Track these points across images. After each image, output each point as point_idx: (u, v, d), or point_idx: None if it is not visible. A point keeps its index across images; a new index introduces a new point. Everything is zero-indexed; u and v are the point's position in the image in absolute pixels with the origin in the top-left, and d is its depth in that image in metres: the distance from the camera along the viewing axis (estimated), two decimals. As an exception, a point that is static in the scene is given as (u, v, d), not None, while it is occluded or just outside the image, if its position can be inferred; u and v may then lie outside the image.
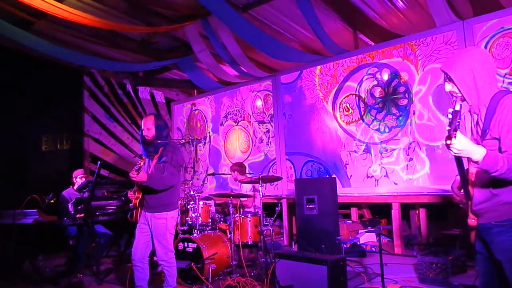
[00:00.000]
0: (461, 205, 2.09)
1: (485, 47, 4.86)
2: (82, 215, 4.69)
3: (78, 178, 5.69)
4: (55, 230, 5.10)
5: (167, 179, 3.37)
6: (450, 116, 1.65)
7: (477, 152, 1.72)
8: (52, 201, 5.14)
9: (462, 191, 2.07)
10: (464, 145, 1.70)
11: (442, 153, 5.13)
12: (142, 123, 3.51)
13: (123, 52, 7.35)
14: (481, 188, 1.90)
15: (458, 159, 1.87)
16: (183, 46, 7.02)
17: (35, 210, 4.70)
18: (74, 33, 6.47)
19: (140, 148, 3.61)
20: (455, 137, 1.67)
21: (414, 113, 5.41)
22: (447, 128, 1.67)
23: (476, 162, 1.75)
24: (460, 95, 1.95)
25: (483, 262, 2.02)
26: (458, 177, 2.12)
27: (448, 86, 2.02)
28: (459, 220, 6.41)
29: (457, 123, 1.66)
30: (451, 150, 1.72)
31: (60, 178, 6.65)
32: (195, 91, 8.90)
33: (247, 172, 6.40)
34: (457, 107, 1.65)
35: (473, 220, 1.95)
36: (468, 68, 1.91)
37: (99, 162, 4.74)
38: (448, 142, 1.69)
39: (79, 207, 4.79)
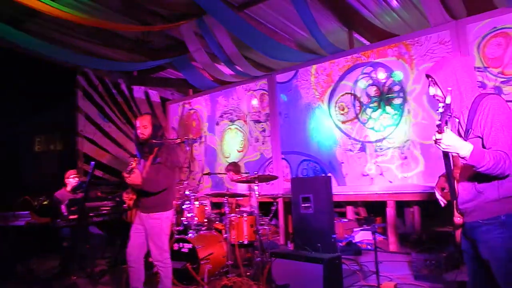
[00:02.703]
0: (442, 204, 2.16)
1: (478, 46, 4.89)
2: (76, 216, 4.65)
3: (71, 178, 5.63)
4: (48, 231, 5.04)
5: (161, 182, 3.31)
6: (441, 110, 1.70)
7: (465, 148, 1.76)
8: (44, 202, 5.09)
9: (445, 190, 2.11)
10: (452, 140, 1.74)
11: (436, 151, 5.15)
12: (138, 122, 3.43)
13: (117, 51, 7.31)
14: (467, 186, 1.94)
15: (446, 157, 1.93)
16: (178, 45, 6.99)
17: (28, 212, 4.64)
18: (67, 31, 6.42)
19: (135, 149, 3.57)
20: (444, 132, 1.72)
21: (408, 112, 5.43)
22: (437, 122, 1.72)
23: (463, 158, 1.78)
24: (443, 98, 1.97)
25: (470, 261, 2.03)
26: (442, 177, 2.19)
27: (432, 90, 2.06)
28: (451, 217, 6.45)
29: (448, 118, 1.74)
30: (440, 146, 1.76)
31: (53, 179, 6.60)
32: (191, 90, 8.87)
33: (242, 171, 6.39)
34: (448, 100, 1.71)
35: (459, 218, 1.98)
36: (452, 72, 1.98)
37: (93, 163, 4.69)
38: (438, 137, 1.74)
39: (73, 208, 4.74)
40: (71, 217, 4.70)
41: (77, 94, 7.87)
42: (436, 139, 1.75)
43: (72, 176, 5.66)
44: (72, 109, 7.86)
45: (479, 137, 1.89)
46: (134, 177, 3.18)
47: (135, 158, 3.30)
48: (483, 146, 1.86)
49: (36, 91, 6.98)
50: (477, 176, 1.84)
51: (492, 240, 1.84)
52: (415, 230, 6.02)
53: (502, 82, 4.72)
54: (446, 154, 1.89)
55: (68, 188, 5.59)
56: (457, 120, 2.03)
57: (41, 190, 5.23)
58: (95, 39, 6.79)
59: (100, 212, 5.03)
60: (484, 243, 1.88)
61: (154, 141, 3.39)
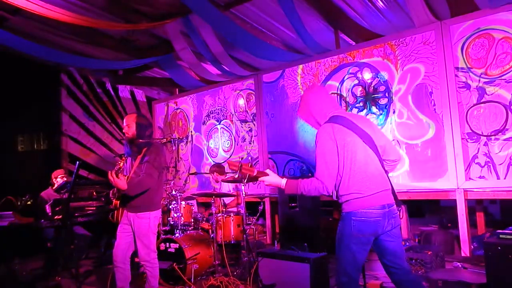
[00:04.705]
0: None
1: (462, 47, 4.97)
2: (60, 216, 4.58)
3: (59, 178, 5.55)
4: (31, 232, 4.96)
5: (144, 182, 3.27)
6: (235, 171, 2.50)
7: (281, 183, 2.43)
8: (28, 202, 5.00)
9: None
10: (271, 180, 2.46)
11: (421, 151, 5.23)
12: (124, 121, 3.46)
13: (102, 50, 7.20)
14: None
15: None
16: (164, 44, 6.94)
17: (10, 212, 4.56)
18: (50, 29, 6.30)
19: (124, 148, 3.54)
20: (267, 175, 2.46)
21: (394, 112, 5.50)
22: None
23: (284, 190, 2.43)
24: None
25: None
26: None
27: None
28: (436, 216, 6.56)
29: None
30: (265, 183, 2.49)
31: (37, 179, 6.49)
32: (177, 89, 8.81)
33: (226, 171, 6.38)
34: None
35: None
36: (305, 107, 2.57)
37: (77, 162, 4.62)
38: (262, 179, 2.46)
39: (57, 209, 4.67)
40: (56, 217, 4.63)
41: (61, 93, 7.76)
42: (261, 181, 2.46)
43: (60, 176, 5.57)
44: (56, 108, 7.74)
45: None
46: (120, 182, 3.14)
47: (123, 158, 3.28)
48: None
49: (18, 90, 6.84)
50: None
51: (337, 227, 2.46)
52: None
53: (485, 82, 4.81)
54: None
55: (55, 187, 5.50)
56: None
57: (24, 190, 5.13)
58: (79, 37, 6.69)
59: (85, 212, 4.97)
60: None
61: (141, 140, 3.38)
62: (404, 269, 2.41)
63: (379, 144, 2.48)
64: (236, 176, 2.41)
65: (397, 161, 2.61)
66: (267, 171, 2.47)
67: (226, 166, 6.99)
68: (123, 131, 3.44)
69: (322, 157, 2.34)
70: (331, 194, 2.37)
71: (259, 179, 2.48)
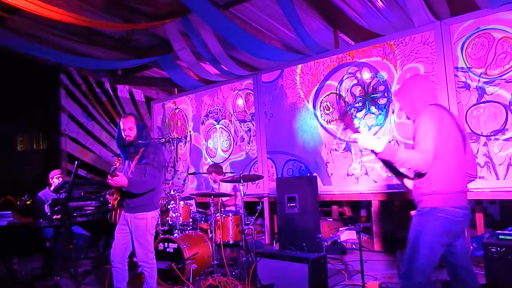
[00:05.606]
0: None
1: (462, 47, 4.96)
2: (59, 216, 4.57)
3: (55, 179, 5.53)
4: (30, 232, 4.95)
5: (148, 182, 3.28)
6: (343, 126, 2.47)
7: (379, 145, 2.18)
8: (27, 202, 5.00)
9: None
10: (366, 139, 2.23)
11: (420, 151, 5.21)
12: (122, 124, 3.37)
13: (101, 50, 7.20)
14: (413, 183, 2.40)
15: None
16: (163, 44, 6.93)
17: (10, 212, 4.55)
18: (50, 29, 6.30)
19: (120, 150, 3.50)
20: (359, 132, 2.28)
21: (393, 112, 5.49)
22: (356, 126, 2.40)
23: (377, 154, 2.21)
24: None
25: None
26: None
27: (397, 106, 2.70)
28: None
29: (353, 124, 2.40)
30: (357, 142, 2.28)
31: (36, 178, 6.48)
32: (176, 89, 8.81)
33: (224, 171, 6.38)
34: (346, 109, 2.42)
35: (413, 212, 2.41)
36: (406, 94, 2.49)
37: (76, 162, 4.62)
38: (354, 136, 2.27)
39: (56, 208, 4.66)
40: (54, 217, 4.62)
41: (60, 93, 7.76)
42: (353, 138, 2.24)
43: (56, 176, 5.55)
44: (55, 108, 7.74)
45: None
46: (119, 180, 3.12)
47: (119, 158, 3.25)
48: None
49: (18, 90, 6.84)
50: (416, 174, 2.31)
51: (412, 224, 2.31)
52: (400, 229, 6.09)
53: (485, 82, 4.80)
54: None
55: (52, 188, 5.49)
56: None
57: (24, 190, 5.13)
58: (78, 37, 6.68)
59: (84, 212, 4.96)
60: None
61: (140, 141, 3.36)
62: (469, 269, 2.35)
63: (467, 151, 2.41)
64: (338, 118, 2.36)
65: (474, 177, 2.49)
66: (361, 129, 2.40)
67: (224, 166, 7.01)
68: (124, 134, 3.34)
69: (428, 134, 2.20)
70: (425, 171, 2.21)
71: (352, 136, 2.36)
